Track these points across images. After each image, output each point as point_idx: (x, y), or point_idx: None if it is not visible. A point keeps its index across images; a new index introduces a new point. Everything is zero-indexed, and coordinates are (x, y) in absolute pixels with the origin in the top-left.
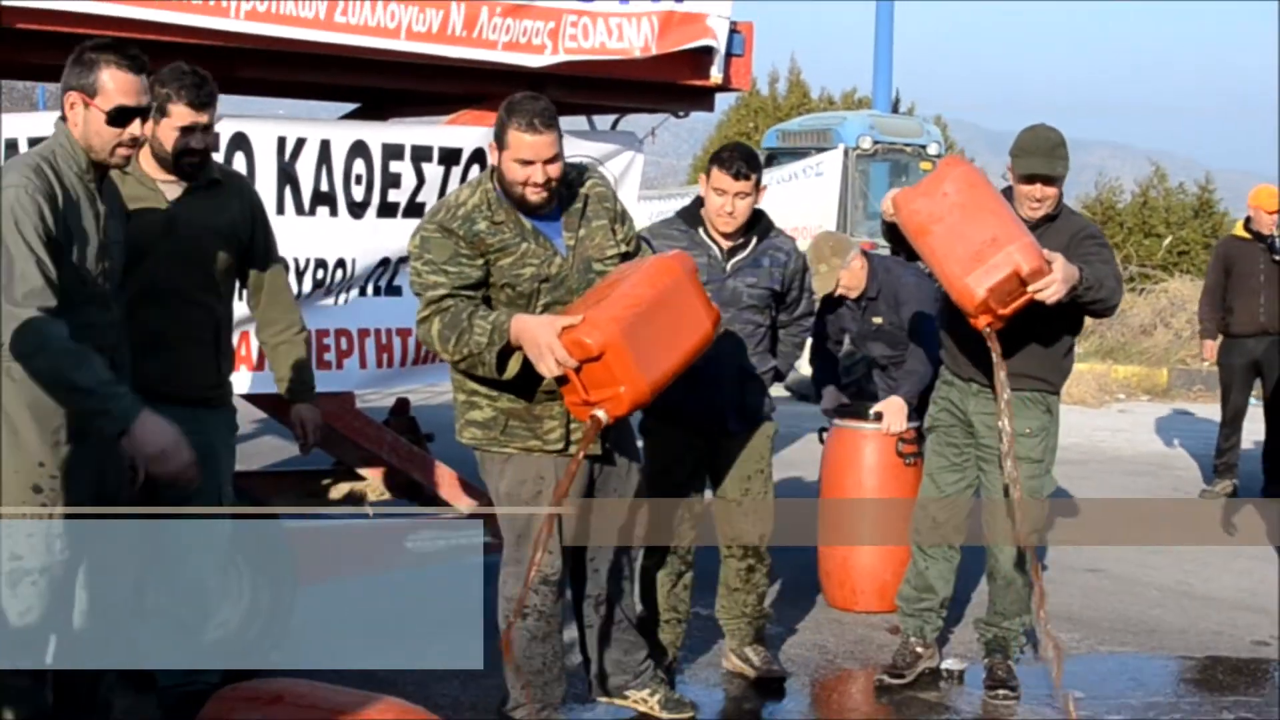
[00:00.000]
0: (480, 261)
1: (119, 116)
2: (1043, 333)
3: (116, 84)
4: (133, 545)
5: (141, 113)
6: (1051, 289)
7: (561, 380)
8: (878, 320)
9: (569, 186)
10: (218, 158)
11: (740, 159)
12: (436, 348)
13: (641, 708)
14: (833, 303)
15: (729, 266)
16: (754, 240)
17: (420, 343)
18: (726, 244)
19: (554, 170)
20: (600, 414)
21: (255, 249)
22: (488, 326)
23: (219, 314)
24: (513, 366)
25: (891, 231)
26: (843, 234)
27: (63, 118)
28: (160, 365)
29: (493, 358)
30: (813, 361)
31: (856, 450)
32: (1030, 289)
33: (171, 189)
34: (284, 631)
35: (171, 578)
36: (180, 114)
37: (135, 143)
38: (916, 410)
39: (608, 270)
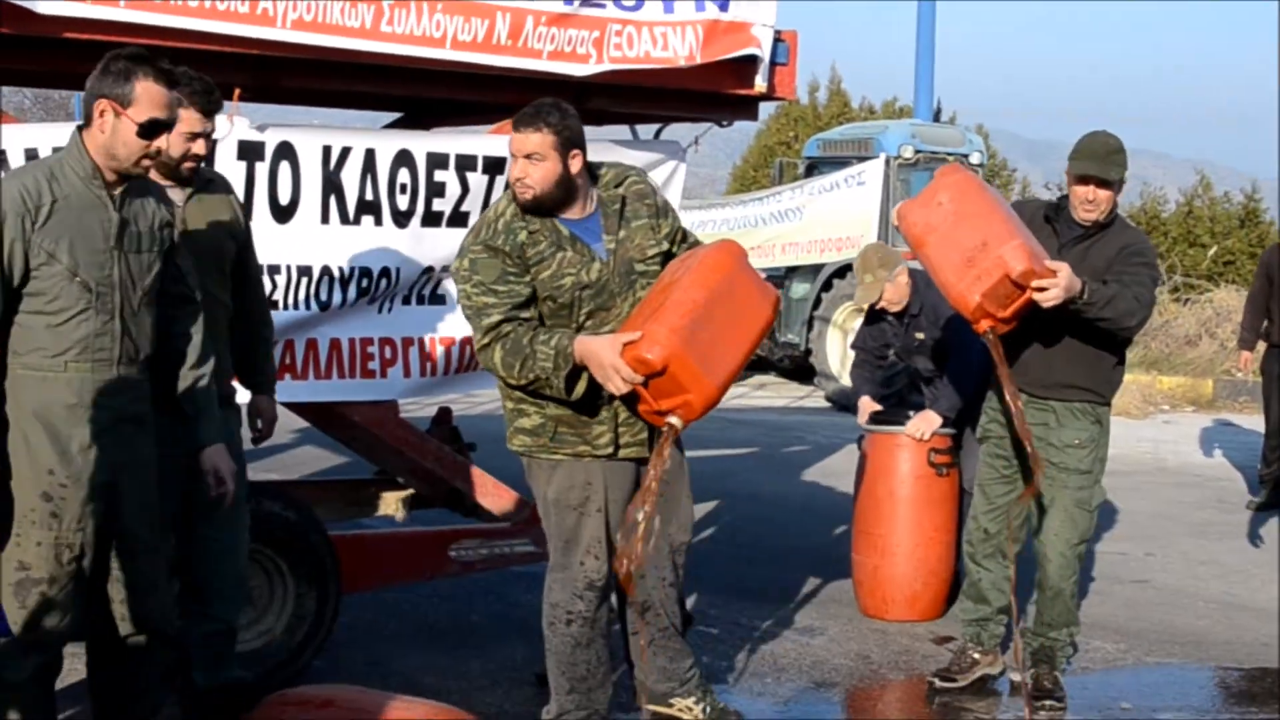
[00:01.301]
0: (527, 277)
1: (150, 129)
2: (1092, 344)
3: (150, 96)
4: (166, 548)
5: (169, 126)
6: (1050, 293)
7: (631, 395)
8: (920, 336)
9: (607, 188)
10: (265, 167)
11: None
12: (500, 374)
13: (686, 716)
14: (875, 315)
15: None
16: None
17: (472, 355)
18: None
19: (531, 170)
20: (675, 420)
21: (248, 246)
22: (551, 352)
23: (229, 311)
24: (580, 387)
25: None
26: (892, 248)
27: (79, 126)
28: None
29: (560, 382)
30: (852, 373)
31: (889, 457)
32: (1029, 291)
33: (176, 193)
34: (327, 639)
35: (213, 579)
36: (190, 120)
37: (157, 154)
38: (954, 420)
39: (650, 270)
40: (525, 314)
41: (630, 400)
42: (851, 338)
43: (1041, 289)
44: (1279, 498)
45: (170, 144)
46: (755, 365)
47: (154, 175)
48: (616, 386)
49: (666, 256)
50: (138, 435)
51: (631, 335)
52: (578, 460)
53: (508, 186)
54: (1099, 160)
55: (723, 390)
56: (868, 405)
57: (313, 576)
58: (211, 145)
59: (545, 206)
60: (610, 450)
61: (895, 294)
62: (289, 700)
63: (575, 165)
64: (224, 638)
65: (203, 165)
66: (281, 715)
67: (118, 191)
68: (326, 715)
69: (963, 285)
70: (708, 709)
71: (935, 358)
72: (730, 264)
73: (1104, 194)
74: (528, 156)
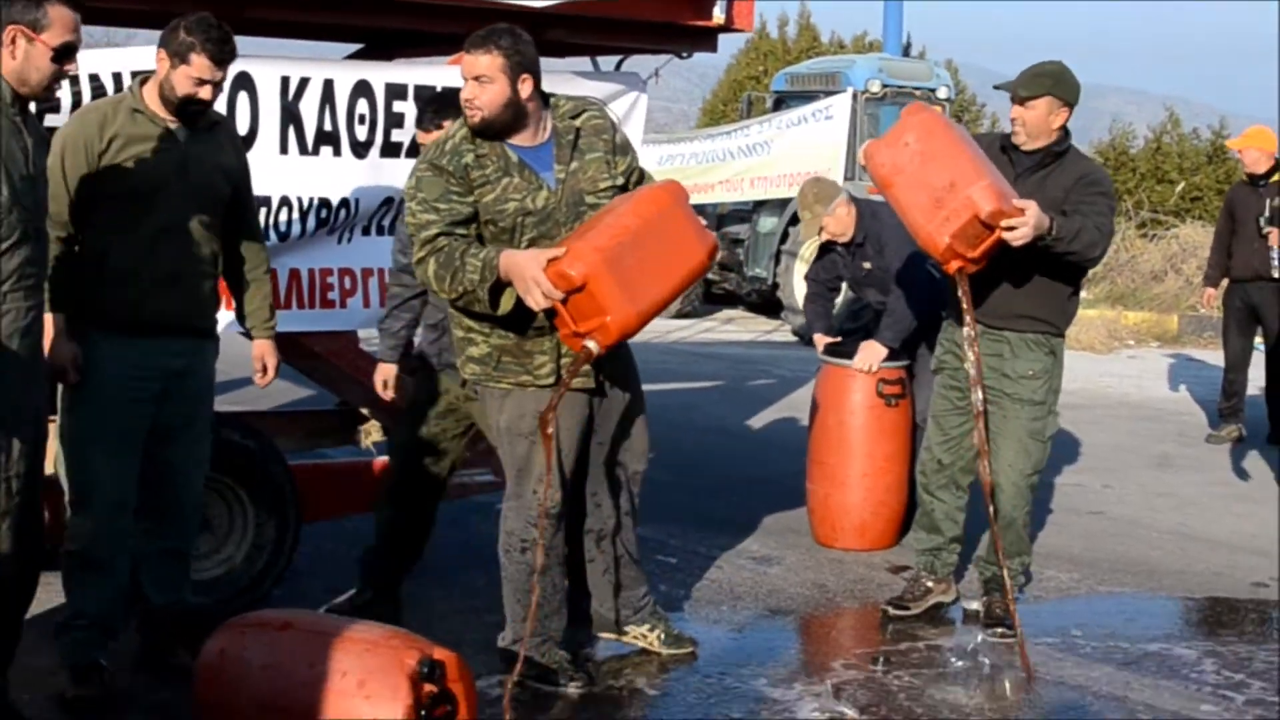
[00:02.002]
0: (470, 197)
1: (65, 52)
2: (1045, 275)
3: (62, 20)
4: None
5: (77, 49)
6: (1019, 231)
7: (551, 313)
8: (866, 265)
9: (563, 119)
10: (223, 97)
11: None
12: (434, 287)
13: (642, 643)
14: (826, 247)
15: None
16: None
17: None
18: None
19: (479, 92)
20: (591, 345)
21: (244, 188)
22: (479, 264)
23: (218, 250)
24: (505, 302)
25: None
26: (829, 180)
27: None
28: (177, 300)
29: (485, 294)
30: (805, 307)
31: (841, 389)
32: (997, 231)
33: (180, 130)
34: (287, 567)
35: (169, 501)
36: (200, 66)
37: (66, 77)
38: (906, 351)
39: (600, 203)
40: (462, 230)
41: (553, 323)
42: None
43: (1011, 228)
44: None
45: (176, 83)
46: (723, 299)
47: (160, 109)
48: (536, 301)
49: (620, 191)
50: (36, 350)
51: (556, 251)
52: (523, 390)
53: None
54: (1022, 79)
55: (642, 318)
56: (822, 339)
57: (272, 505)
58: (218, 92)
59: (494, 130)
60: (552, 380)
61: (837, 225)
62: (247, 623)
63: (525, 90)
64: (176, 558)
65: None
66: (240, 639)
67: (22, 117)
68: (285, 638)
69: (931, 227)
70: (662, 635)
71: (884, 288)
72: (668, 200)
73: (1027, 115)
74: (476, 78)
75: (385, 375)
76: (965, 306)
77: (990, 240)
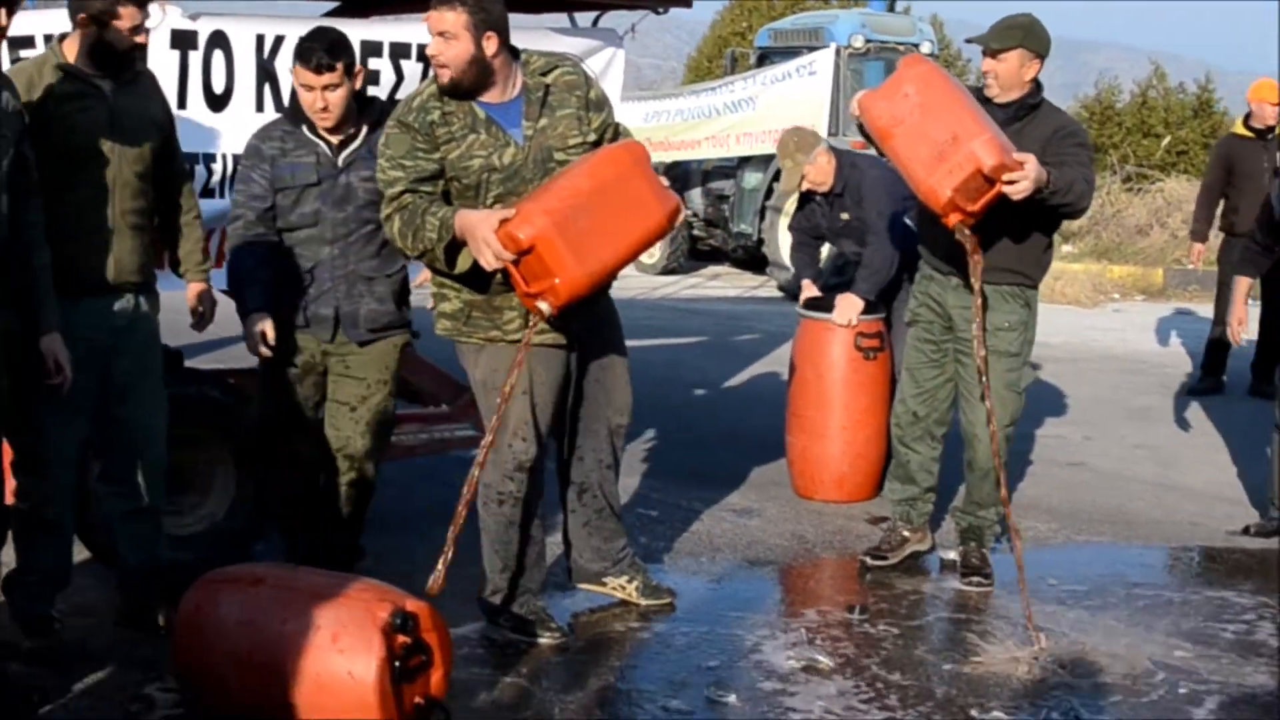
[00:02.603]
0: (436, 155)
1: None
2: (1021, 228)
3: None
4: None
5: (16, 4)
6: (1020, 185)
7: (506, 273)
8: (845, 216)
9: (533, 75)
10: (198, 56)
11: (320, 50)
12: (398, 243)
13: (620, 594)
14: (806, 197)
15: (340, 161)
16: (365, 129)
17: None
18: (335, 138)
19: (444, 49)
20: (543, 305)
21: (171, 136)
22: (436, 223)
23: (153, 202)
24: (462, 262)
25: (865, 132)
26: (809, 130)
27: None
28: (119, 255)
29: (442, 253)
30: (792, 256)
31: (820, 342)
32: (998, 184)
33: (106, 84)
34: (268, 524)
35: (131, 460)
36: (129, 14)
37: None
38: (883, 302)
39: (570, 160)
40: (427, 188)
41: (509, 282)
42: None
43: (1011, 182)
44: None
45: (114, 40)
46: (709, 255)
47: (87, 66)
48: (487, 261)
49: (592, 148)
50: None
51: (508, 212)
52: (495, 345)
53: None
54: (993, 32)
55: (592, 280)
56: (809, 288)
57: (250, 464)
58: (148, 33)
59: (463, 88)
60: (520, 335)
61: (818, 175)
62: (221, 579)
63: (490, 47)
64: (148, 516)
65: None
66: (214, 595)
67: None
68: (258, 593)
69: (933, 180)
70: (641, 586)
71: (861, 239)
72: (626, 161)
73: (999, 67)
74: (441, 34)
75: (265, 325)
76: (972, 257)
77: (991, 194)
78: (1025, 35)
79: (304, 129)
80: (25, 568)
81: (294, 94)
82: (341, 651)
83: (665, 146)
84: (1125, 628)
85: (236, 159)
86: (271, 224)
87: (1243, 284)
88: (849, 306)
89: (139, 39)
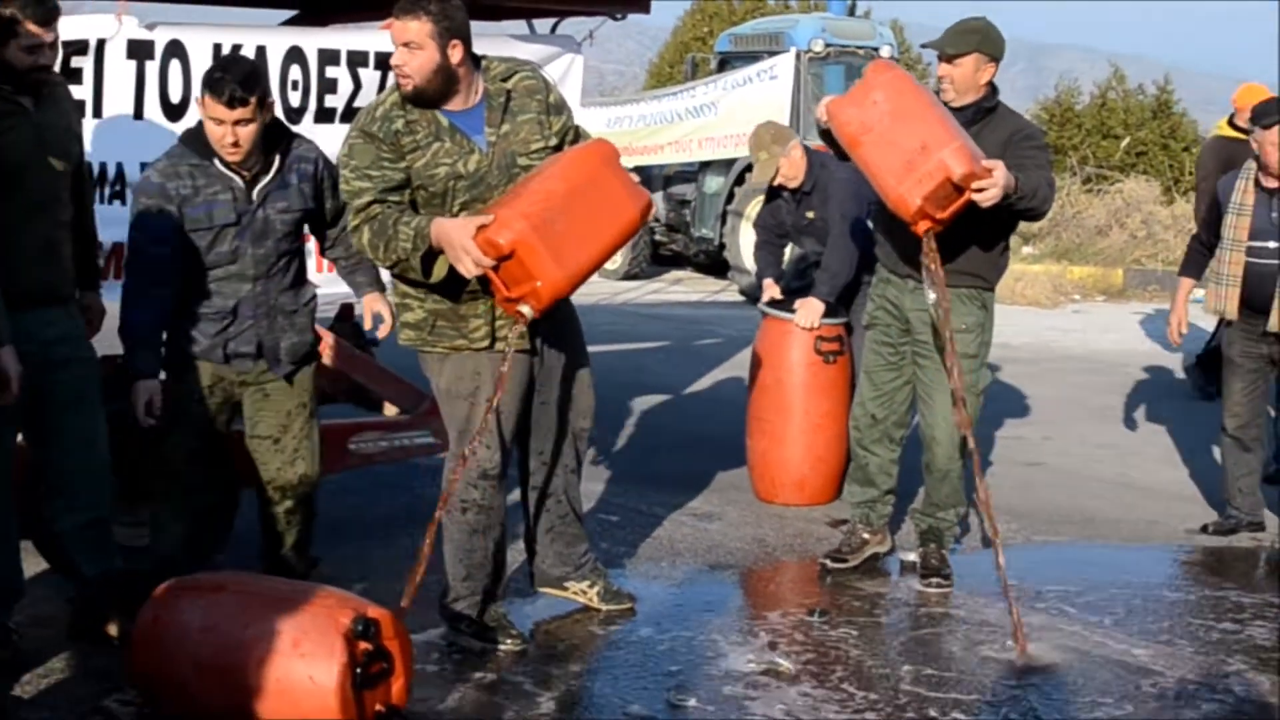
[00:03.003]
0: (402, 164)
1: None
2: (978, 231)
3: None
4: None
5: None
6: (989, 192)
7: (485, 280)
8: (810, 215)
9: (494, 81)
10: (155, 65)
11: (233, 81)
12: (368, 254)
13: (581, 599)
14: (773, 194)
15: (255, 195)
16: (277, 159)
17: None
18: (247, 172)
19: (409, 59)
20: (525, 309)
21: (82, 147)
22: (410, 233)
23: (72, 212)
24: (438, 270)
25: (827, 137)
26: (783, 124)
27: None
28: (53, 271)
29: (418, 263)
30: (755, 254)
31: (780, 344)
32: (968, 192)
33: (27, 100)
34: (228, 533)
35: (75, 469)
36: (29, 32)
37: None
38: (843, 306)
39: (533, 164)
40: (395, 197)
41: (488, 288)
42: None
43: (981, 189)
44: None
45: (13, 58)
46: (671, 260)
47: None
48: (467, 269)
49: (554, 151)
50: None
51: (485, 219)
52: (459, 354)
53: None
54: (948, 37)
55: (572, 281)
56: (770, 288)
57: (211, 475)
58: (55, 52)
59: (427, 97)
60: (487, 343)
61: (791, 168)
62: (181, 588)
63: (455, 55)
64: (98, 526)
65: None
66: (174, 603)
67: None
68: (220, 601)
69: (903, 189)
70: (601, 591)
71: (824, 239)
72: (596, 161)
73: (955, 72)
74: (406, 44)
75: (155, 396)
76: (933, 268)
77: (960, 201)
78: (981, 40)
79: (216, 163)
80: None
81: (200, 124)
82: (303, 657)
83: (627, 152)
84: (1085, 627)
85: None
86: (168, 270)
87: (1185, 285)
88: (811, 311)
89: (38, 59)
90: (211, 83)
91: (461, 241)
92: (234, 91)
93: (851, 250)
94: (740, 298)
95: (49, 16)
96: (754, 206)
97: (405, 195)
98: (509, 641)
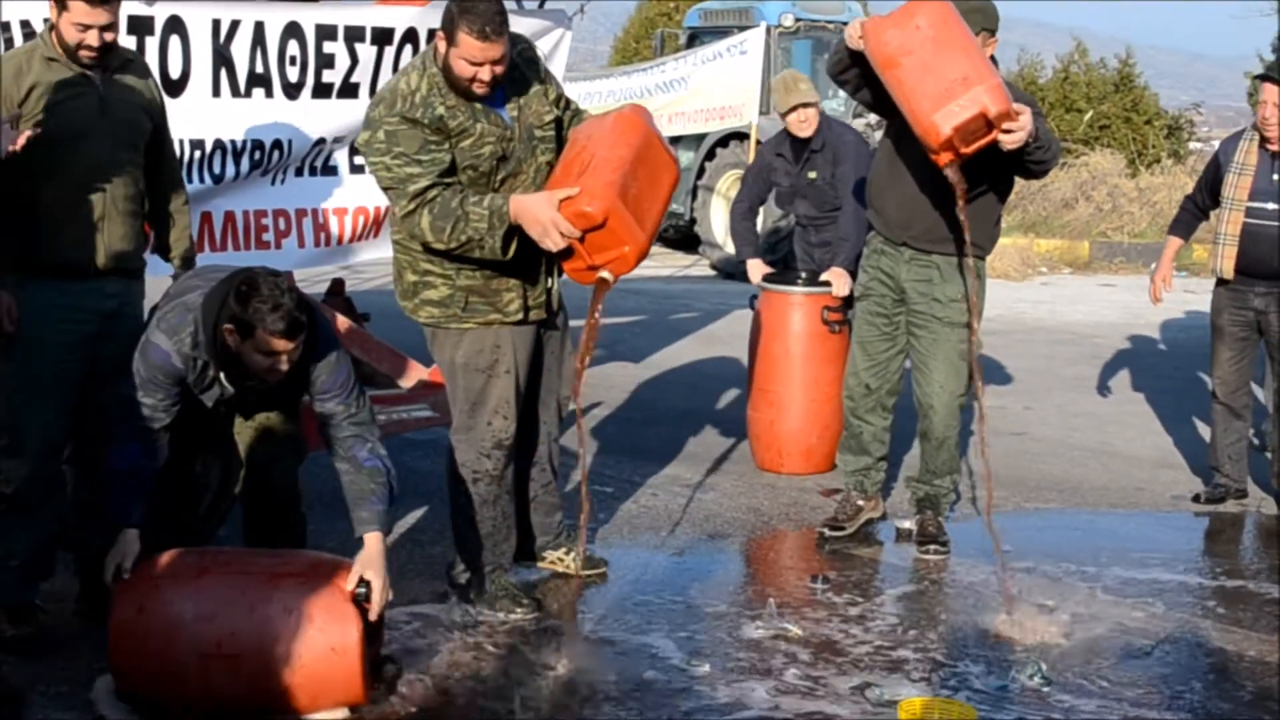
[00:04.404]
0: (447, 146)
1: None
2: (976, 199)
3: None
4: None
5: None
6: (1015, 135)
7: (564, 252)
8: (812, 175)
9: None
10: (154, 41)
11: (294, 311)
12: (428, 238)
13: (559, 567)
14: (767, 155)
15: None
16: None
17: (366, 224)
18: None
19: (500, 69)
20: (607, 275)
21: (162, 124)
22: (485, 212)
23: (144, 188)
24: (512, 247)
25: (849, 59)
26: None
27: None
28: (110, 240)
29: (497, 242)
30: (733, 231)
31: (784, 315)
32: (995, 131)
33: (95, 72)
34: (230, 509)
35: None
36: (79, 10)
37: None
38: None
39: (547, 135)
40: (449, 179)
41: (556, 257)
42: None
43: (1008, 131)
44: None
45: (64, 32)
46: None
47: (63, 59)
48: (555, 242)
49: (558, 122)
50: None
51: (568, 191)
52: (487, 326)
53: (398, 61)
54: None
55: (650, 241)
56: (757, 266)
57: (214, 448)
58: (114, 34)
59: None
60: (520, 316)
61: (808, 119)
62: (158, 577)
63: None
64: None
65: (120, 46)
66: (156, 594)
67: None
68: (208, 585)
69: (938, 116)
70: (577, 557)
71: (818, 202)
72: (644, 123)
73: None
74: (495, 61)
75: (132, 554)
76: (960, 200)
77: (986, 139)
78: (983, 17)
79: (222, 376)
80: (7, 554)
81: (221, 341)
82: (321, 630)
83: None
84: (1081, 592)
85: (194, 144)
86: (167, 430)
87: (1173, 244)
88: (845, 280)
89: (85, 38)
90: (268, 319)
91: (550, 216)
92: (297, 324)
93: (863, 216)
94: (711, 272)
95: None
96: (725, 180)
97: (455, 178)
98: (520, 610)
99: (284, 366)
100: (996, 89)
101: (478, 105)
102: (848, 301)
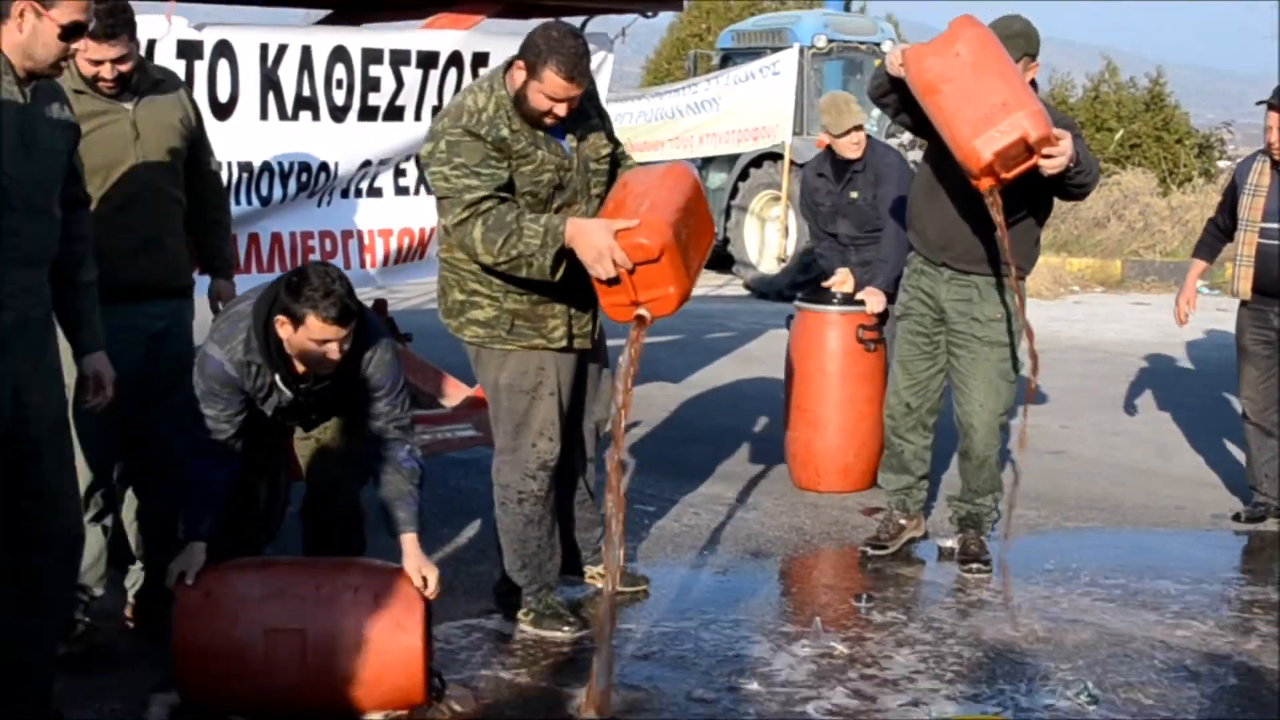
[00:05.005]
0: (507, 164)
1: (72, 31)
2: (1015, 221)
3: None
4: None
5: (86, 28)
6: (1056, 160)
7: (611, 281)
8: (854, 195)
9: None
10: (204, 65)
11: (345, 296)
12: (478, 250)
13: (598, 583)
14: (809, 178)
15: (300, 394)
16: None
17: (410, 245)
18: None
19: (570, 107)
20: (645, 313)
21: (198, 140)
22: (540, 230)
23: (184, 205)
24: (560, 269)
25: (889, 84)
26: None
27: None
28: (153, 263)
29: (547, 260)
30: (817, 248)
31: (820, 334)
32: (1036, 156)
33: (126, 98)
34: (279, 525)
35: (157, 466)
36: (89, 47)
37: (73, 55)
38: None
39: (601, 169)
40: (505, 194)
41: (593, 290)
42: (770, 225)
43: (1049, 156)
44: None
45: (79, 66)
46: None
47: (90, 90)
48: (606, 270)
49: (611, 156)
50: (44, 337)
51: (628, 222)
52: (531, 350)
53: (443, 83)
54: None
55: (691, 289)
56: (842, 278)
57: (263, 466)
58: (133, 63)
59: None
60: (565, 343)
61: (854, 142)
62: (227, 566)
63: None
64: (163, 520)
65: (150, 65)
66: (224, 579)
67: (28, 89)
68: (275, 570)
69: (978, 141)
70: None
71: (859, 223)
72: (693, 180)
73: None
74: (570, 99)
75: (197, 565)
76: (1000, 226)
77: (1026, 165)
78: (1027, 42)
79: (277, 376)
80: None
81: (274, 338)
82: (388, 608)
83: (629, 148)
84: (1122, 609)
85: (241, 166)
86: (236, 441)
87: (1196, 267)
88: (879, 300)
89: (99, 71)
90: (320, 305)
91: (606, 243)
92: (348, 311)
93: (904, 239)
94: (745, 291)
95: (110, 32)
96: (759, 201)
97: (511, 195)
98: (566, 628)
99: (335, 355)
100: (1037, 114)
101: (540, 132)
102: (882, 319)
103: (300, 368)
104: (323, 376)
